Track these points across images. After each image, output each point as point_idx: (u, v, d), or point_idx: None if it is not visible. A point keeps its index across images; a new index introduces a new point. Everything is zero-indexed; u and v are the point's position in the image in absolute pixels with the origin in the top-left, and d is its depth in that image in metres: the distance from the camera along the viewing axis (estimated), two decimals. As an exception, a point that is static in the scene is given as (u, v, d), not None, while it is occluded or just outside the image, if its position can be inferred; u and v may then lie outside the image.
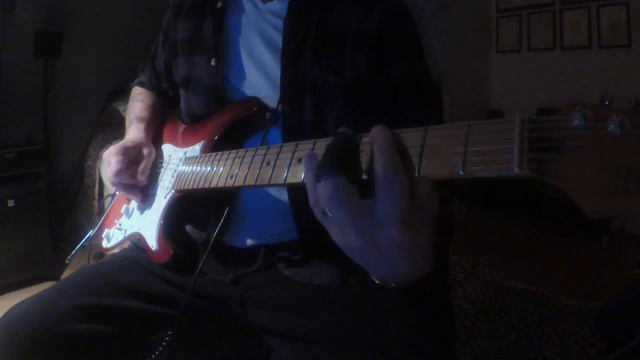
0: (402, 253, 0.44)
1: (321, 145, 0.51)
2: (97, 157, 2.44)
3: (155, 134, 0.96)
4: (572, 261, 2.50)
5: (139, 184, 0.86)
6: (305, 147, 0.53)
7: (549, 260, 2.54)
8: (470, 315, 1.91)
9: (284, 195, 0.79)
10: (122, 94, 2.54)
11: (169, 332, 0.74)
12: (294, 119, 0.78)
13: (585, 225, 2.54)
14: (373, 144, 0.43)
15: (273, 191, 0.81)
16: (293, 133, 0.78)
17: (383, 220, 0.42)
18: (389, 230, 0.43)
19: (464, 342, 1.73)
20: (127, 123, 0.99)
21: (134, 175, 0.85)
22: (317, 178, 0.45)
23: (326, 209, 0.45)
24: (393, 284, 0.51)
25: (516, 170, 0.36)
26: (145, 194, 0.88)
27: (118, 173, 0.83)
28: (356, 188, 0.43)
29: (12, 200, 2.17)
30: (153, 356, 0.73)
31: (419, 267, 0.47)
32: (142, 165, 0.87)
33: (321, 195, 0.45)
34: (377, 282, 0.52)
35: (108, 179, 0.86)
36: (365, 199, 0.43)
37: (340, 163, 0.44)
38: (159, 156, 0.91)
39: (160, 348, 0.73)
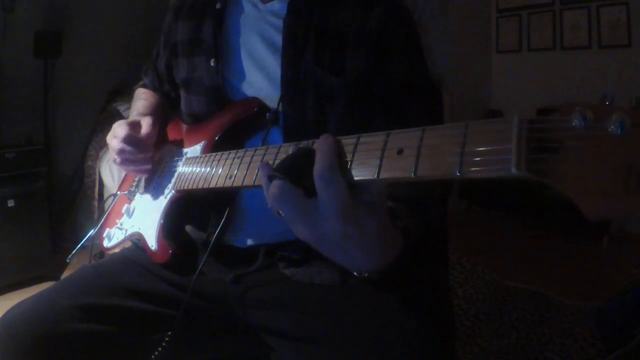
0: (351, 243, 0.48)
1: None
2: (97, 157, 2.44)
3: (157, 131, 0.96)
4: (572, 261, 2.50)
5: (147, 143, 0.85)
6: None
7: (549, 260, 2.54)
8: (470, 315, 1.91)
9: (283, 195, 0.79)
10: (122, 94, 2.54)
11: (169, 333, 0.74)
12: (295, 119, 0.78)
13: (585, 225, 2.54)
14: (317, 150, 0.48)
15: (273, 191, 0.81)
16: (294, 133, 0.78)
17: (325, 216, 0.47)
18: (331, 223, 0.47)
19: (464, 342, 1.73)
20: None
21: (140, 138, 0.85)
22: (269, 180, 0.50)
23: (277, 209, 0.50)
24: (366, 274, 0.54)
25: (514, 171, 0.35)
26: (151, 171, 0.87)
27: (127, 139, 0.82)
28: (302, 190, 0.48)
29: (12, 200, 2.17)
30: (153, 357, 0.73)
31: (377, 254, 0.51)
32: (145, 123, 0.86)
33: (272, 196, 0.49)
34: (355, 274, 0.55)
35: (114, 149, 0.83)
36: (311, 199, 0.48)
37: (288, 168, 0.50)
38: (162, 156, 0.91)
39: (160, 348, 0.73)
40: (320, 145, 0.49)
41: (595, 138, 0.33)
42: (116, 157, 0.84)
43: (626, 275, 1.56)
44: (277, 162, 0.56)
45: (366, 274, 0.55)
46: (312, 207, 0.48)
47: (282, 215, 0.50)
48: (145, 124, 0.87)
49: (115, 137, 0.83)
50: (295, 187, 0.49)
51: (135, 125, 0.86)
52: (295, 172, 0.49)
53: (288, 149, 0.55)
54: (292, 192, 0.49)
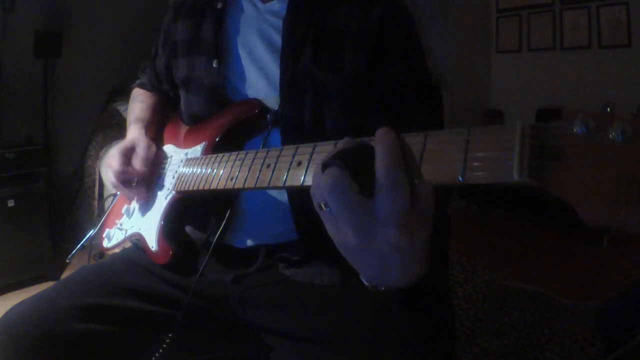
0: (397, 256, 0.43)
1: (321, 149, 0.51)
2: (97, 157, 2.44)
3: (155, 133, 0.96)
4: (572, 261, 2.50)
5: (140, 176, 0.84)
6: (305, 150, 0.53)
7: (549, 260, 2.54)
8: (470, 315, 1.91)
9: (283, 196, 0.79)
10: (122, 94, 2.54)
11: (170, 335, 0.74)
12: (293, 119, 0.78)
13: (585, 226, 2.53)
14: (377, 143, 0.42)
15: (273, 192, 0.81)
16: (292, 133, 0.78)
17: (381, 219, 0.41)
18: (386, 230, 0.41)
19: (464, 342, 1.73)
20: (127, 125, 0.99)
21: (133, 172, 0.84)
22: (324, 166, 0.44)
23: (324, 201, 0.44)
24: (383, 288, 0.49)
25: (516, 177, 0.35)
26: (147, 193, 0.87)
27: (120, 172, 0.83)
28: (357, 185, 0.43)
29: (12, 200, 2.17)
30: (153, 358, 0.73)
31: (411, 272, 0.45)
32: (138, 156, 0.85)
33: (323, 185, 0.43)
34: (366, 284, 0.50)
35: (110, 181, 0.85)
36: (366, 198, 0.42)
37: (347, 158, 0.43)
38: (161, 157, 0.91)
39: (160, 350, 0.73)
40: (383, 139, 0.42)
41: (597, 146, 0.33)
42: (114, 188, 0.86)
43: (626, 275, 1.56)
44: (278, 164, 0.56)
45: (382, 288, 0.49)
46: (367, 207, 0.42)
47: (327, 210, 0.44)
48: (140, 151, 0.85)
49: (110, 168, 0.84)
50: (352, 181, 0.42)
51: (129, 151, 0.85)
52: (354, 164, 0.43)
53: (290, 151, 0.55)
54: (349, 185, 0.42)
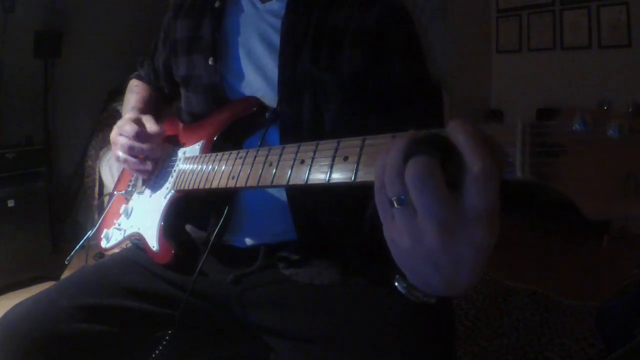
0: (475, 258, 0.39)
1: (323, 147, 0.51)
2: (97, 157, 2.44)
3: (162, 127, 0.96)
4: (572, 261, 2.50)
5: (154, 140, 0.83)
6: (307, 148, 0.53)
7: (549, 260, 2.54)
8: (470, 315, 1.91)
9: (283, 195, 0.79)
10: (122, 94, 2.53)
11: (169, 332, 0.74)
12: (292, 119, 0.78)
13: (585, 225, 2.53)
14: (459, 134, 0.38)
15: (272, 191, 0.81)
16: (291, 132, 0.78)
17: (470, 217, 0.37)
18: (476, 230, 0.37)
19: (464, 342, 1.73)
20: (123, 113, 0.99)
21: (148, 136, 0.82)
22: (406, 156, 0.38)
23: (401, 194, 0.39)
24: (433, 298, 0.44)
25: (518, 174, 0.36)
26: (154, 170, 0.85)
27: (136, 136, 0.80)
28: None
29: (12, 200, 2.18)
30: (153, 355, 0.73)
31: (476, 277, 0.41)
32: (150, 126, 0.84)
33: (410, 175, 0.37)
34: (402, 290, 0.45)
35: (123, 145, 0.82)
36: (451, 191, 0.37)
37: (436, 144, 0.38)
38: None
39: (160, 347, 0.73)
40: (466, 130, 0.38)
41: (595, 142, 0.35)
42: (122, 154, 0.82)
43: (626, 275, 1.56)
44: (281, 163, 0.56)
45: (433, 299, 0.45)
46: (456, 203, 0.37)
47: (399, 206, 0.39)
48: (150, 122, 0.85)
49: (121, 134, 0.82)
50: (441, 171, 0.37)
51: (139, 123, 0.85)
52: (441, 154, 0.37)
53: (293, 149, 0.55)
54: (442, 177, 0.37)
